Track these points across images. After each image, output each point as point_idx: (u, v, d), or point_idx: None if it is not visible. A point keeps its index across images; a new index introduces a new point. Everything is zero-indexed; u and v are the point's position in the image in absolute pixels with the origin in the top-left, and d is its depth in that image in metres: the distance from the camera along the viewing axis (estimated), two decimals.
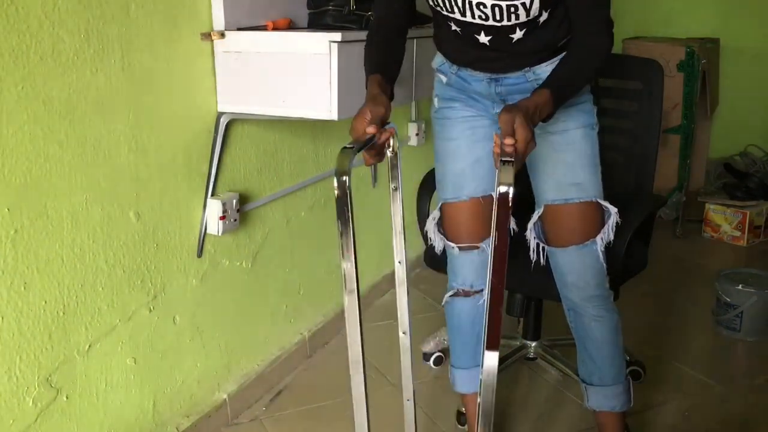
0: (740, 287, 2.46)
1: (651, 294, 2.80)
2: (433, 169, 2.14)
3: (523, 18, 1.41)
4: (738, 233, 3.38)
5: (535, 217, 1.64)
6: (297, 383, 2.21)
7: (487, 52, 1.50)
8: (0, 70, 1.28)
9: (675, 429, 1.97)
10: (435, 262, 2.03)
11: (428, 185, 2.08)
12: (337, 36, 1.62)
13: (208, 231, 1.81)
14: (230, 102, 1.78)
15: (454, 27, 1.48)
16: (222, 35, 1.73)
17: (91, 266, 1.51)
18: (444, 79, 1.62)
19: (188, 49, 1.69)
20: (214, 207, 1.83)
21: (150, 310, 1.70)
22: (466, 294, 1.74)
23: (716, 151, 3.97)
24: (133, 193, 1.61)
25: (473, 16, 1.42)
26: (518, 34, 1.45)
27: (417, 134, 2.86)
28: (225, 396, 1.95)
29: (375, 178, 2.66)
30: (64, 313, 1.47)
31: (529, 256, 1.68)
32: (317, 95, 1.66)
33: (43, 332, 1.43)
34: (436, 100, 1.66)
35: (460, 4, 1.41)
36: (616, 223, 1.60)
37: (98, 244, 1.52)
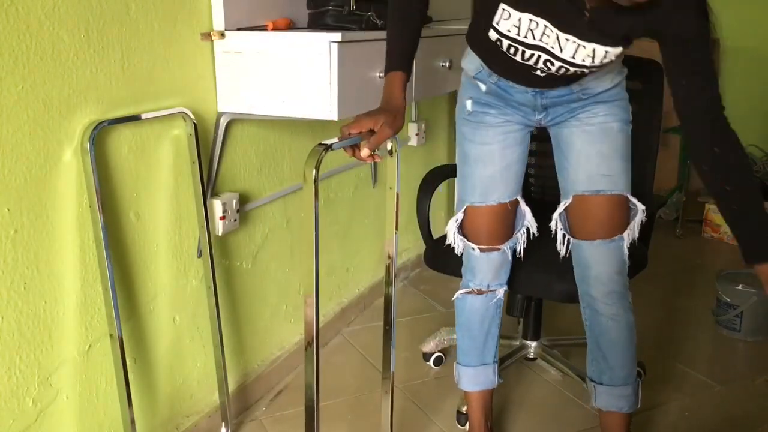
0: (740, 287, 2.46)
1: (651, 294, 2.80)
2: (434, 169, 2.15)
3: (582, 74, 1.44)
4: None
5: (561, 207, 1.64)
6: (297, 383, 2.21)
7: (536, 79, 1.50)
8: (0, 70, 1.28)
9: (675, 429, 1.97)
10: (435, 262, 2.03)
11: (428, 185, 2.08)
12: (337, 36, 1.62)
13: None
14: (230, 102, 1.78)
15: (510, 54, 1.45)
16: (222, 35, 1.73)
17: (91, 266, 1.51)
18: (483, 87, 1.60)
19: (188, 49, 1.69)
20: (214, 207, 1.83)
21: (150, 310, 1.70)
22: (480, 292, 1.74)
23: None
24: (133, 193, 1.61)
25: (535, 63, 1.44)
26: (576, 75, 1.47)
27: (417, 134, 2.86)
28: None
29: (375, 178, 2.66)
30: (64, 313, 1.47)
31: (553, 253, 1.68)
32: (317, 95, 1.66)
33: (43, 332, 1.43)
34: (469, 102, 1.64)
35: (527, 54, 1.41)
36: (642, 221, 1.62)
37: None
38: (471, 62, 1.61)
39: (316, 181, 1.26)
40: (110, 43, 1.49)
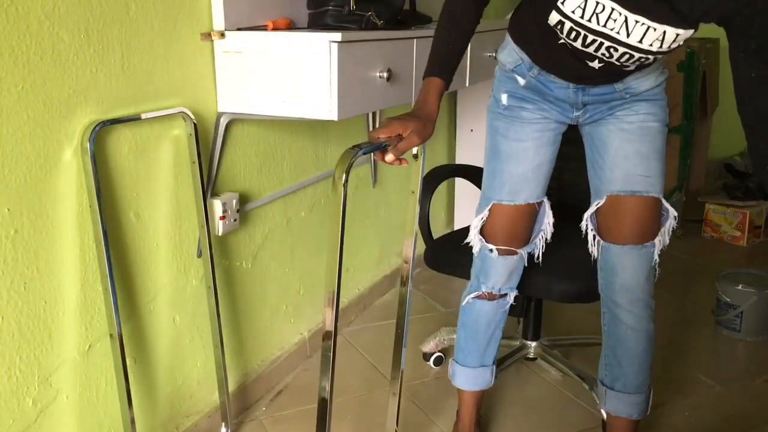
0: (740, 287, 2.46)
1: None
2: (434, 169, 2.15)
3: (645, 62, 1.40)
4: (738, 233, 3.38)
5: (593, 207, 1.60)
6: (297, 383, 2.21)
7: (588, 72, 1.46)
8: (0, 70, 1.28)
9: (675, 429, 1.97)
10: (435, 262, 2.03)
11: (429, 185, 2.08)
12: (337, 36, 1.62)
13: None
14: (230, 102, 1.78)
15: (570, 39, 1.40)
16: (222, 35, 1.73)
17: (91, 266, 1.51)
18: (522, 81, 1.56)
19: (188, 49, 1.69)
20: (214, 207, 1.83)
21: (150, 310, 1.70)
22: (491, 297, 1.71)
23: (716, 151, 3.97)
24: (133, 193, 1.61)
25: (596, 51, 1.39)
26: (632, 68, 1.44)
27: None
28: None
29: (375, 179, 2.66)
30: (64, 313, 1.47)
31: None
32: (317, 95, 1.66)
33: (43, 332, 1.43)
34: (505, 96, 1.59)
35: (589, 40, 1.36)
36: (674, 228, 1.60)
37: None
38: (509, 55, 1.57)
39: (345, 183, 1.26)
40: (110, 43, 1.49)
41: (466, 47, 1.47)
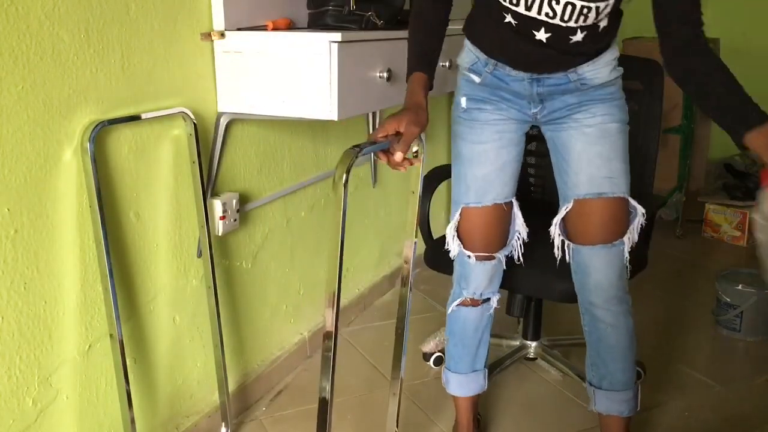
0: (740, 287, 2.46)
1: (651, 294, 2.80)
2: (433, 169, 2.15)
3: (590, 21, 1.40)
4: (738, 233, 3.38)
5: (562, 212, 1.62)
6: (297, 383, 2.21)
7: (538, 51, 1.47)
8: (0, 70, 1.28)
9: (675, 429, 1.97)
10: (435, 262, 2.03)
11: (428, 185, 2.08)
12: (337, 36, 1.62)
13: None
14: (230, 102, 1.78)
15: (510, 19, 1.44)
16: (222, 35, 1.73)
17: (91, 266, 1.51)
18: (477, 79, 1.58)
19: (188, 49, 1.69)
20: (214, 207, 1.83)
21: (150, 310, 1.70)
22: (474, 303, 1.72)
23: (716, 151, 3.97)
24: (133, 193, 1.61)
25: (539, 12, 1.40)
26: (578, 36, 1.44)
27: None
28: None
29: (375, 179, 2.66)
30: (64, 313, 1.47)
31: (553, 253, 1.66)
32: (317, 95, 1.66)
33: (43, 332, 1.43)
34: (463, 100, 1.61)
35: (529, 2, 1.38)
36: (642, 224, 1.60)
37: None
38: (466, 55, 1.60)
39: (346, 183, 1.26)
40: (110, 43, 1.49)
41: (441, 45, 1.51)
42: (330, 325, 1.32)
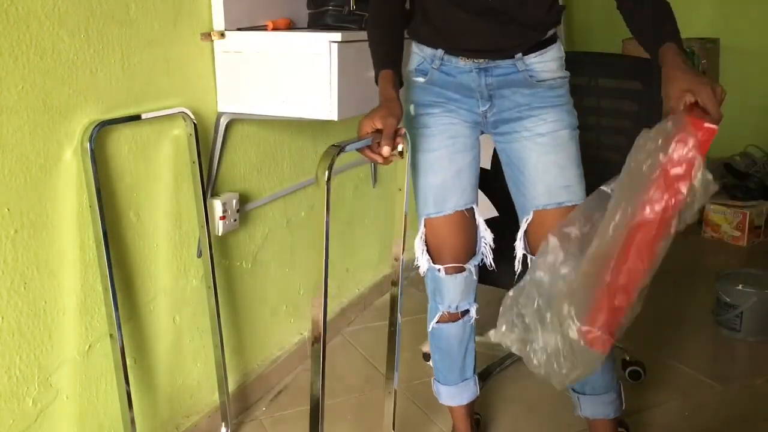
0: (740, 287, 2.46)
1: (651, 294, 2.79)
2: None
3: None
4: (738, 233, 3.38)
5: (524, 225, 1.59)
6: (297, 383, 2.21)
7: (483, 22, 1.47)
8: (0, 70, 1.28)
9: (675, 429, 1.97)
10: None
11: None
12: (337, 36, 1.62)
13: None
14: (230, 102, 1.78)
15: None
16: (222, 35, 1.73)
17: (91, 266, 1.51)
18: (422, 80, 1.57)
19: (188, 49, 1.69)
20: (214, 207, 1.83)
21: (150, 310, 1.70)
22: (453, 318, 1.69)
23: (716, 151, 3.97)
24: (133, 193, 1.61)
25: None
26: None
27: None
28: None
29: (375, 178, 2.66)
30: (64, 313, 1.47)
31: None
32: (317, 95, 1.66)
33: (43, 332, 1.43)
34: (412, 107, 1.59)
35: None
36: None
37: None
38: (411, 58, 1.59)
39: (328, 181, 1.27)
40: (110, 43, 1.49)
41: (402, 39, 1.53)
42: (317, 330, 1.33)
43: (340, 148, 1.30)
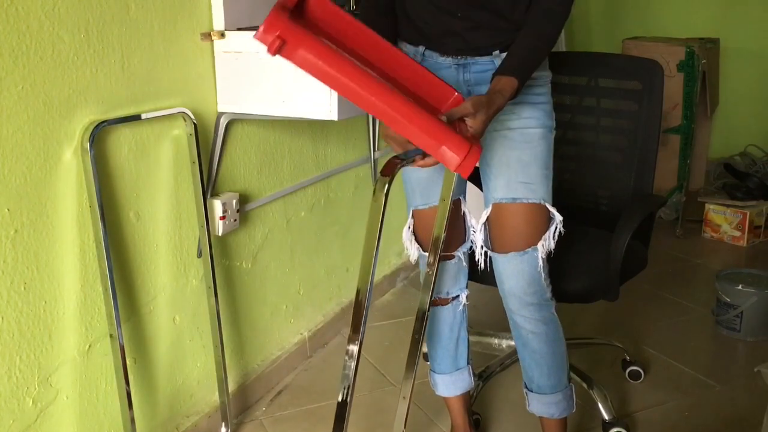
0: (740, 287, 2.46)
1: (651, 294, 2.80)
2: None
3: None
4: (738, 233, 3.38)
5: (483, 217, 1.61)
6: (297, 383, 2.21)
7: (461, 21, 1.48)
8: (0, 70, 1.28)
9: (675, 429, 1.97)
10: None
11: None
12: None
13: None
14: (230, 102, 1.78)
15: None
16: (222, 35, 1.73)
17: (91, 266, 1.51)
18: None
19: (188, 49, 1.69)
20: (214, 207, 1.83)
21: (150, 310, 1.70)
22: (443, 302, 1.73)
23: (716, 151, 3.97)
24: (133, 193, 1.61)
25: None
26: None
27: None
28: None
29: (375, 178, 2.66)
30: (64, 313, 1.47)
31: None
32: (317, 95, 1.66)
33: (43, 332, 1.43)
34: None
35: None
36: (560, 231, 1.57)
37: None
38: None
39: (386, 194, 1.28)
40: (110, 43, 1.49)
41: (395, 38, 1.57)
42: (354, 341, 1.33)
43: (402, 161, 1.30)
